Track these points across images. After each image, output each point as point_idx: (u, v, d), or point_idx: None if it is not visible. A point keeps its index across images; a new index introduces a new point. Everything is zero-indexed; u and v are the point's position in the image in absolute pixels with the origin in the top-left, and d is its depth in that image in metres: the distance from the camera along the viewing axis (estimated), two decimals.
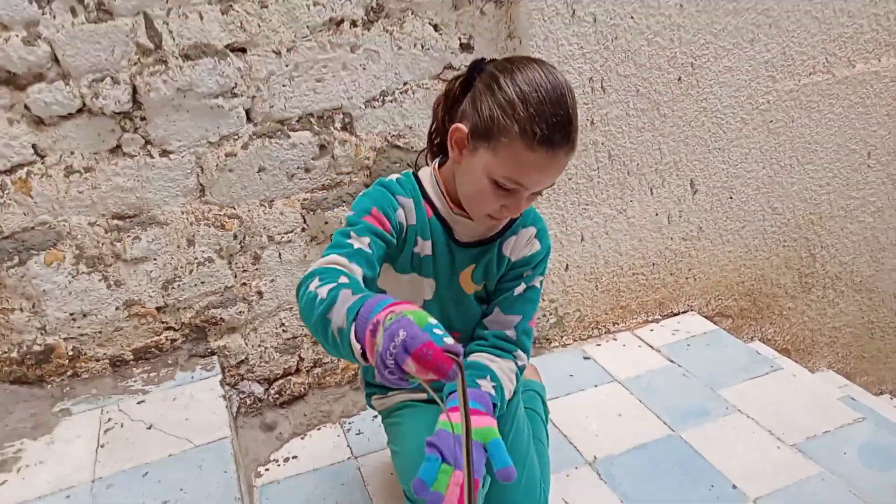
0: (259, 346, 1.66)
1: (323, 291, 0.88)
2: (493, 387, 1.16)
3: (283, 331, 1.68)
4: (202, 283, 1.56)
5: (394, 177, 1.16)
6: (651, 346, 1.93)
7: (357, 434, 1.67)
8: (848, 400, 1.89)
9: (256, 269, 1.60)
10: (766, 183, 2.01)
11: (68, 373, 1.51)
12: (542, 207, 1.78)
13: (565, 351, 1.94)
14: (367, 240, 1.02)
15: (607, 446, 1.56)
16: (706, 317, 2.09)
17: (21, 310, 1.44)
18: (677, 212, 1.94)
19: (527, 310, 1.23)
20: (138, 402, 1.44)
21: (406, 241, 1.14)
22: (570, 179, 1.78)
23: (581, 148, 1.76)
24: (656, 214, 1.92)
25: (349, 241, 1.01)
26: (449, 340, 0.76)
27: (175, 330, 1.57)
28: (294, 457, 1.61)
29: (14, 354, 1.46)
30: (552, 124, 0.97)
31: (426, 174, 1.17)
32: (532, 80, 0.98)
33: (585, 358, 1.90)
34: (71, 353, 1.50)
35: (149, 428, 1.36)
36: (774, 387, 1.73)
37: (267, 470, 1.57)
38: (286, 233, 1.60)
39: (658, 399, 1.70)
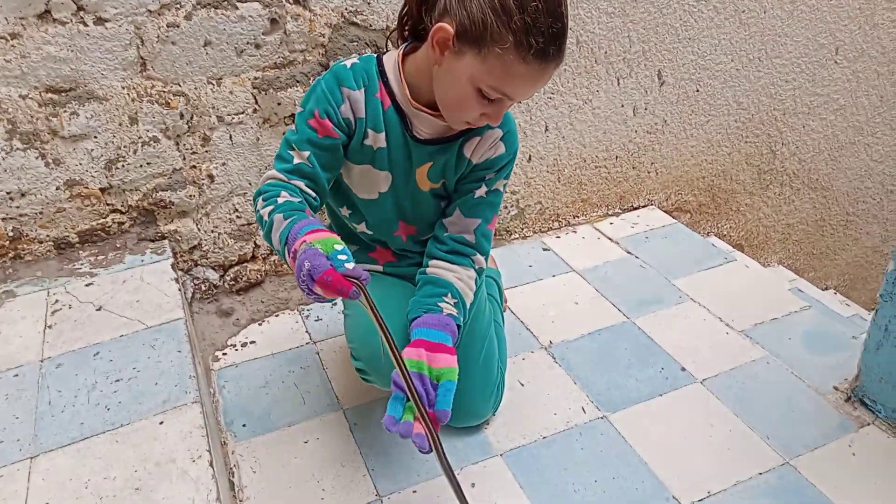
0: (212, 231, 1.61)
1: (265, 213, 1.00)
2: (455, 303, 1.16)
3: (238, 216, 1.63)
4: (148, 164, 1.48)
5: (350, 61, 1.09)
6: (610, 239, 1.95)
7: (316, 321, 1.66)
8: (796, 291, 1.95)
9: (206, 152, 1.53)
10: (733, 76, 1.98)
11: (10, 255, 1.45)
12: None
13: (525, 242, 1.94)
14: (306, 153, 1.05)
15: (563, 332, 1.59)
16: (666, 211, 2.11)
17: None
18: (643, 104, 1.91)
19: (487, 214, 1.20)
20: (86, 285, 1.39)
21: (355, 132, 1.10)
22: None
23: None
24: (622, 106, 1.88)
25: (291, 153, 1.06)
26: (350, 265, 0.89)
27: (122, 213, 1.51)
28: (252, 342, 1.60)
29: None
30: (549, 36, 0.91)
31: (391, 61, 1.10)
32: None
33: (545, 249, 1.91)
34: (11, 233, 1.43)
35: (98, 309, 1.32)
36: (727, 277, 1.77)
37: (224, 354, 1.57)
38: (237, 113, 1.52)
39: (614, 288, 1.73)
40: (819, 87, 2.13)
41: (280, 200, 1.00)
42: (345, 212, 1.26)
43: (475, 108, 0.99)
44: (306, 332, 1.62)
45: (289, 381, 1.48)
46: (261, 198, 1.03)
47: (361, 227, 1.27)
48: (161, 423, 1.05)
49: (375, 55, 1.11)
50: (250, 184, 1.60)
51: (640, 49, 1.81)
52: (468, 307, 1.19)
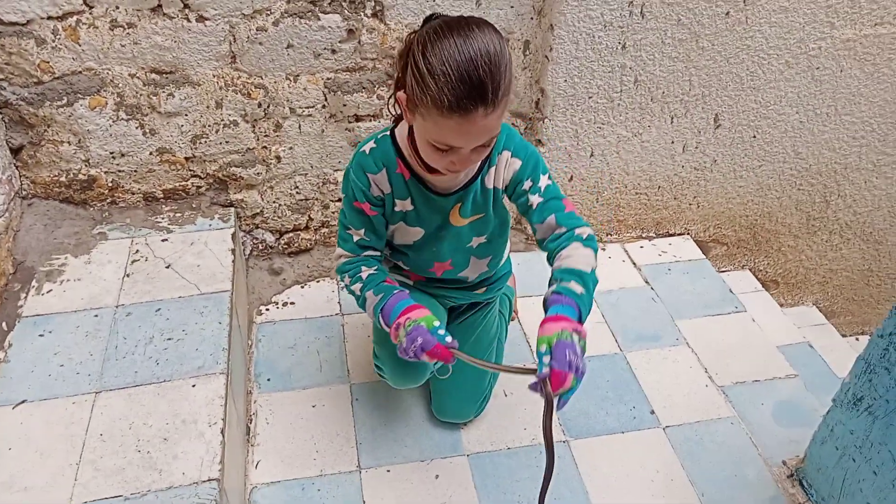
0: (274, 202, 1.85)
1: (357, 289, 1.30)
2: (559, 281, 1.15)
3: (297, 192, 1.85)
4: (227, 142, 1.71)
5: (368, 146, 1.25)
6: (634, 264, 2.06)
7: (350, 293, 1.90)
8: (802, 347, 2.03)
9: (277, 136, 1.74)
10: (795, 127, 1.98)
11: (108, 200, 1.74)
12: (556, 121, 1.83)
13: None
14: (361, 230, 1.30)
15: None
16: (701, 241, 2.18)
17: (69, 143, 1.64)
18: (694, 143, 1.96)
19: (555, 206, 1.25)
20: (162, 240, 1.67)
21: (386, 203, 1.29)
22: (590, 98, 1.80)
23: (607, 70, 1.76)
24: (672, 142, 1.94)
25: (349, 232, 1.31)
26: (448, 339, 1.18)
27: (200, 178, 1.76)
28: (292, 303, 1.87)
29: (63, 179, 1.69)
30: (461, 92, 1.01)
31: (402, 136, 1.24)
32: (442, 53, 1.01)
33: None
34: (110, 184, 1.72)
35: (167, 267, 1.60)
36: (730, 328, 1.86)
37: (267, 310, 1.84)
38: (307, 107, 1.71)
39: (620, 317, 1.87)
40: (890, 148, 2.08)
41: (364, 276, 1.29)
42: (386, 251, 1.46)
43: (439, 159, 1.13)
44: (338, 302, 1.87)
45: (313, 347, 1.74)
46: (346, 276, 1.32)
47: (400, 263, 1.47)
48: (193, 385, 1.33)
49: (390, 133, 1.26)
50: (311, 167, 1.81)
51: (699, 93, 1.85)
52: (581, 270, 1.16)
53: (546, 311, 1.13)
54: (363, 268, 1.30)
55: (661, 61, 1.77)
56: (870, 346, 1.27)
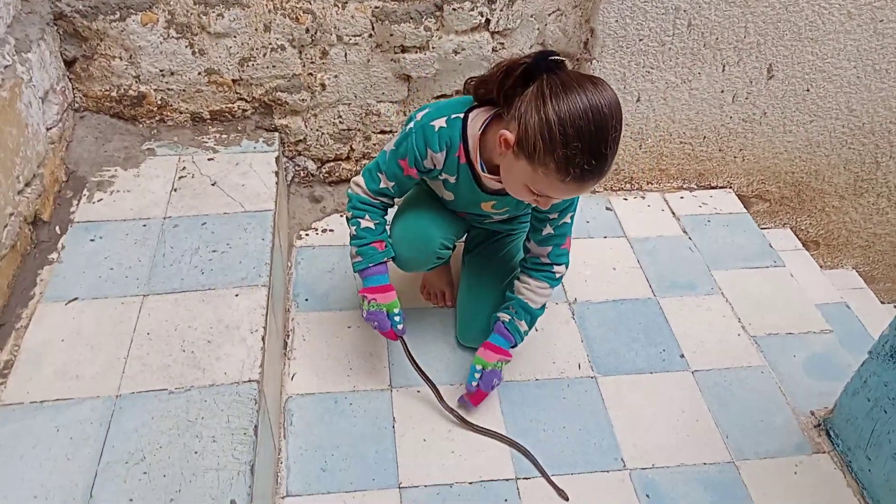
0: (317, 130, 1.87)
1: (352, 230, 1.37)
2: (515, 312, 1.42)
3: (340, 122, 1.87)
4: (273, 66, 1.73)
5: (438, 124, 1.25)
6: (673, 213, 2.04)
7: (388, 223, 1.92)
8: (839, 307, 2.00)
9: (323, 63, 1.75)
10: (851, 82, 1.92)
11: (156, 118, 1.77)
12: (604, 62, 1.80)
13: (592, 197, 2.08)
14: (391, 183, 1.34)
15: (590, 292, 1.77)
16: (743, 196, 2.14)
17: (120, 58, 1.66)
18: (745, 93, 1.91)
19: (557, 242, 1.41)
20: (208, 159, 1.70)
21: (432, 172, 1.33)
22: (640, 41, 1.77)
23: (661, 12, 1.72)
24: (722, 91, 1.90)
25: (380, 175, 1.34)
26: (400, 326, 1.39)
27: (246, 101, 1.78)
28: (331, 230, 1.90)
29: (114, 94, 1.72)
30: (588, 166, 1.06)
31: (473, 129, 1.25)
32: (575, 118, 1.03)
33: (608, 209, 2.04)
34: (159, 102, 1.75)
35: (213, 184, 1.63)
36: (766, 281, 1.85)
37: (307, 235, 1.88)
38: (354, 35, 1.71)
39: (655, 264, 1.86)
40: None
41: (362, 226, 1.36)
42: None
43: (526, 196, 1.18)
44: None
45: (350, 272, 1.75)
46: (350, 210, 1.38)
47: None
48: (236, 295, 1.37)
49: (462, 118, 1.25)
50: (355, 96, 1.82)
51: (754, 41, 1.80)
52: (534, 309, 1.44)
53: (492, 331, 1.45)
54: (367, 216, 1.36)
55: (718, 5, 1.72)
56: None
